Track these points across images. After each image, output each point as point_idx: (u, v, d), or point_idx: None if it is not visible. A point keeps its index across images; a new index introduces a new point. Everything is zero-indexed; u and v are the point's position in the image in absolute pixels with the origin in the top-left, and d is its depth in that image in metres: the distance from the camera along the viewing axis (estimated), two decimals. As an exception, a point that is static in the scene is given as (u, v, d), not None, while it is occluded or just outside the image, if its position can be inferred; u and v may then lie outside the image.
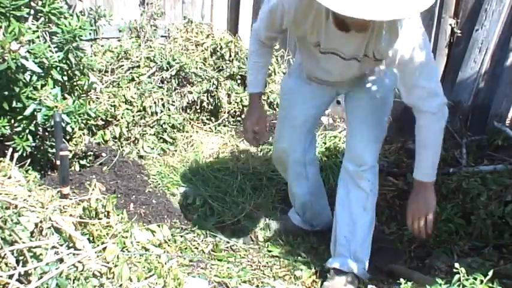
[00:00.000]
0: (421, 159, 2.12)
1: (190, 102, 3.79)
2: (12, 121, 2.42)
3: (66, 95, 2.51)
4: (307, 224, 2.74)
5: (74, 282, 1.49)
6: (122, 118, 3.31)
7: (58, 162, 1.97)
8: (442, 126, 2.10)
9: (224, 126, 3.88)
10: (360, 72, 2.22)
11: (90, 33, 2.55)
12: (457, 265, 1.61)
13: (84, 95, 2.76)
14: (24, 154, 2.39)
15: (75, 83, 2.67)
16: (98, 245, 1.69)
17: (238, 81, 3.94)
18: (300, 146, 2.53)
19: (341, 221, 2.32)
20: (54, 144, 2.58)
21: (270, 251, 2.60)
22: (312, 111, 2.50)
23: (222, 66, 3.95)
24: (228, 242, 2.62)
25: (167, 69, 3.71)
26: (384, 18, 1.66)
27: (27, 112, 2.32)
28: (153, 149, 3.39)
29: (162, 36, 4.10)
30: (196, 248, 2.53)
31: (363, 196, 2.28)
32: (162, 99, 3.57)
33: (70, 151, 2.81)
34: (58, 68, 2.47)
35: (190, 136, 3.67)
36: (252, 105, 2.46)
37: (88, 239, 1.68)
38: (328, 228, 2.53)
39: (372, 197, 2.29)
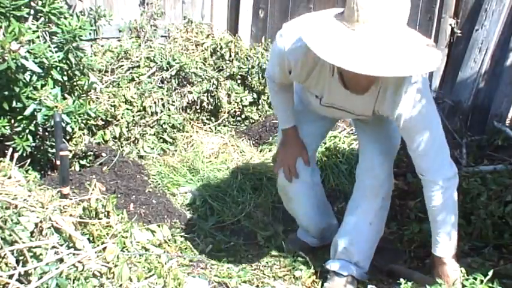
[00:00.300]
0: (436, 233, 2.01)
1: (190, 102, 3.79)
2: (12, 121, 2.42)
3: (66, 95, 2.51)
4: (315, 239, 2.60)
5: (74, 282, 1.49)
6: (122, 118, 3.31)
7: (58, 162, 1.97)
8: (453, 198, 1.98)
9: (224, 126, 3.87)
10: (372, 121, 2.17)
11: (90, 33, 2.56)
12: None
13: (84, 95, 2.76)
14: (24, 154, 2.39)
15: (75, 83, 2.67)
16: (98, 245, 1.69)
17: (238, 81, 3.94)
18: (306, 168, 2.37)
19: (344, 233, 2.30)
20: (54, 144, 2.58)
21: (270, 251, 2.60)
22: (318, 130, 2.40)
23: (222, 66, 3.95)
24: (228, 242, 2.62)
25: (167, 69, 3.71)
26: (383, 74, 1.61)
27: (27, 112, 2.32)
28: (153, 149, 3.39)
29: (162, 36, 4.10)
30: (196, 248, 2.53)
31: (371, 212, 2.25)
32: (162, 99, 3.57)
33: (70, 151, 2.81)
34: (58, 68, 2.47)
35: (190, 136, 3.67)
36: (289, 139, 2.31)
37: (88, 239, 1.68)
38: None
39: (381, 211, 2.26)
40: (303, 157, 2.31)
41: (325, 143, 3.60)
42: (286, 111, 2.29)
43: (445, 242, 1.99)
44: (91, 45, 3.68)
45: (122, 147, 3.26)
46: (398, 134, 2.21)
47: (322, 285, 2.31)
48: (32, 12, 2.48)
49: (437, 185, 1.94)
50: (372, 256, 2.31)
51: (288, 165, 2.31)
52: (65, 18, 2.54)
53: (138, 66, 3.68)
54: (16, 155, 1.94)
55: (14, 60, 2.13)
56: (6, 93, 2.31)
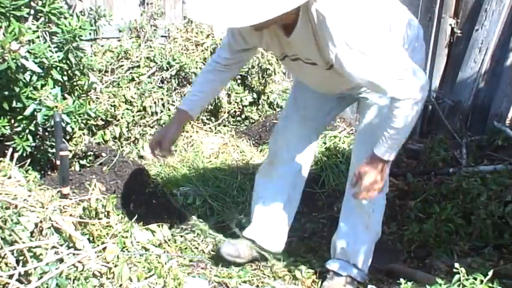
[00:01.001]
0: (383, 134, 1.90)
1: (190, 102, 3.79)
2: (12, 121, 2.41)
3: (66, 95, 2.51)
4: (273, 244, 2.46)
5: (74, 282, 1.49)
6: (122, 118, 3.31)
7: (58, 162, 1.97)
8: (416, 111, 1.82)
9: (224, 126, 3.87)
10: (348, 85, 2.06)
11: (90, 33, 2.55)
12: (457, 265, 1.61)
13: (84, 95, 2.76)
14: (24, 154, 2.39)
15: (75, 83, 2.67)
16: (98, 245, 1.69)
17: (238, 81, 3.94)
18: (301, 144, 2.34)
19: (342, 235, 2.29)
20: (54, 144, 2.58)
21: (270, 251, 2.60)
22: (325, 107, 2.32)
23: (222, 66, 3.95)
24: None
25: (167, 69, 3.71)
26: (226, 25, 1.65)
27: (27, 112, 2.32)
28: (153, 149, 3.39)
29: (162, 36, 4.10)
30: (196, 248, 2.53)
31: (365, 216, 2.23)
32: (162, 99, 3.57)
33: (70, 151, 2.81)
34: (58, 68, 2.47)
35: (190, 136, 3.67)
36: (175, 119, 2.27)
37: (88, 239, 1.68)
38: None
39: (375, 214, 2.23)
40: (166, 137, 2.19)
41: (325, 143, 3.61)
42: (195, 94, 2.23)
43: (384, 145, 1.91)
44: (91, 45, 3.68)
45: (122, 147, 3.26)
46: None
47: (322, 285, 2.31)
48: (32, 12, 2.48)
49: (397, 100, 1.79)
50: (371, 257, 2.31)
51: (157, 139, 2.23)
52: (65, 18, 2.54)
53: (138, 66, 3.68)
54: (16, 155, 1.95)
55: (14, 60, 2.12)
56: (6, 93, 2.31)
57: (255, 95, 3.99)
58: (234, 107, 3.89)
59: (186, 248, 2.50)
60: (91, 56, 3.36)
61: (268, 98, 4.06)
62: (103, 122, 3.24)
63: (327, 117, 2.39)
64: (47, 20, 2.51)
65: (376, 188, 1.95)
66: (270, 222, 2.42)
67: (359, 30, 1.72)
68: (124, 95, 3.39)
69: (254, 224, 2.45)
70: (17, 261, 1.41)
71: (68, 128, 2.53)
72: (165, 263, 1.86)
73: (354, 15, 1.73)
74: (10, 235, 1.43)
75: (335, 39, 1.73)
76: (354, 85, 2.06)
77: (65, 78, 2.57)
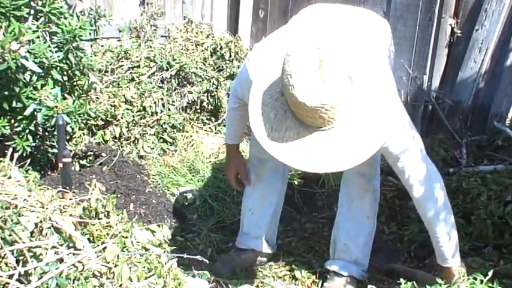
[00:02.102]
0: (437, 245, 1.94)
1: (190, 102, 3.79)
2: (12, 121, 2.41)
3: (66, 95, 2.51)
4: (269, 246, 2.50)
5: (74, 282, 1.48)
6: (122, 118, 3.31)
7: (60, 165, 1.97)
8: (441, 198, 1.90)
9: (224, 126, 3.87)
10: None
11: (90, 33, 2.55)
12: (457, 265, 1.61)
13: (84, 95, 2.75)
14: (24, 154, 2.39)
15: (75, 83, 2.67)
16: (98, 245, 1.69)
17: (238, 81, 3.94)
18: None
19: (342, 229, 2.32)
20: (54, 144, 2.58)
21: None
22: None
23: (222, 66, 3.95)
24: (228, 242, 2.61)
25: (167, 69, 3.71)
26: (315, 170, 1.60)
27: (27, 112, 2.32)
28: (153, 149, 3.39)
29: (162, 36, 4.10)
30: (196, 248, 2.53)
31: (367, 206, 2.28)
32: (162, 99, 3.57)
33: (70, 151, 2.81)
34: (58, 68, 2.47)
35: (190, 136, 3.67)
36: (231, 154, 2.42)
37: (88, 239, 1.68)
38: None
39: (375, 205, 2.30)
40: (240, 172, 2.39)
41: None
42: (235, 130, 2.35)
43: (449, 251, 1.93)
44: (91, 45, 3.68)
45: (122, 147, 3.26)
46: None
47: (322, 285, 2.31)
48: (32, 12, 2.48)
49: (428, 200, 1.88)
50: (370, 252, 2.31)
51: (233, 177, 2.41)
52: (65, 18, 2.53)
53: (138, 66, 3.68)
54: (16, 155, 1.94)
55: (14, 60, 2.12)
56: (6, 93, 2.31)
57: (255, 95, 3.98)
58: (234, 107, 3.88)
59: (186, 248, 2.50)
60: (91, 56, 3.36)
61: (268, 98, 4.06)
62: (103, 122, 3.24)
63: None
64: (47, 20, 2.51)
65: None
66: (259, 227, 2.45)
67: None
68: (124, 95, 3.39)
69: (244, 232, 2.48)
70: (17, 261, 1.41)
71: (68, 128, 2.53)
72: (165, 263, 1.85)
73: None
74: (10, 235, 1.43)
75: None
76: None
77: (65, 78, 2.57)
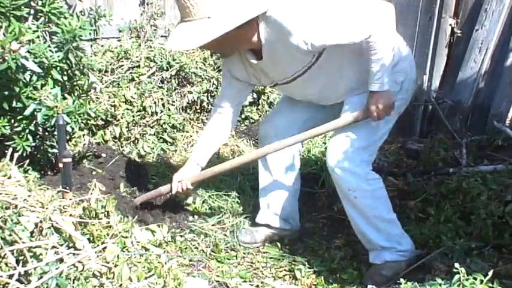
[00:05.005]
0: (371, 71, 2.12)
1: (190, 102, 3.79)
2: (12, 121, 2.41)
3: (66, 95, 2.51)
4: (287, 223, 2.70)
5: (74, 282, 1.49)
6: (122, 118, 3.31)
7: (61, 165, 1.97)
8: (385, 48, 2.07)
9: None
10: (334, 76, 2.23)
11: (90, 33, 2.55)
12: (457, 265, 1.61)
13: (84, 95, 2.75)
14: (24, 154, 2.39)
15: (75, 83, 2.66)
16: (98, 245, 1.69)
17: (238, 81, 3.94)
18: (290, 129, 2.46)
19: (353, 223, 2.36)
20: (54, 144, 2.58)
21: (269, 251, 2.60)
22: (315, 115, 2.50)
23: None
24: (228, 242, 2.62)
25: (167, 69, 3.71)
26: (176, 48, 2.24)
27: (27, 112, 2.32)
28: (153, 149, 3.39)
29: (162, 36, 4.10)
30: (196, 248, 2.53)
31: (351, 206, 2.29)
32: (162, 99, 3.57)
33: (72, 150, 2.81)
34: (58, 68, 2.47)
35: (190, 136, 3.67)
36: (188, 167, 2.50)
37: (88, 239, 1.68)
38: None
39: (360, 200, 2.25)
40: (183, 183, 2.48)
41: (325, 143, 3.61)
42: (201, 148, 2.50)
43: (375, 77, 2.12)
44: (91, 45, 3.68)
45: (121, 147, 3.26)
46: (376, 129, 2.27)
47: (322, 285, 2.31)
48: (32, 12, 2.48)
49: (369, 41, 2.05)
50: (395, 232, 2.35)
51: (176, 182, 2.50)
52: (65, 18, 2.53)
53: (138, 66, 3.68)
54: (16, 155, 1.94)
55: (14, 60, 2.12)
56: (6, 93, 2.31)
57: (255, 95, 3.99)
58: (234, 107, 3.88)
59: (186, 248, 2.50)
60: (91, 56, 3.36)
61: (268, 98, 4.06)
62: (103, 122, 3.24)
63: (317, 114, 2.49)
64: (47, 20, 2.51)
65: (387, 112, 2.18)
66: (278, 205, 2.64)
67: (301, 15, 2.01)
68: (124, 95, 3.39)
69: (263, 209, 2.68)
70: (17, 261, 1.41)
71: (68, 128, 2.53)
72: (165, 263, 1.85)
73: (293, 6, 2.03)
74: (10, 235, 1.43)
75: (294, 33, 2.01)
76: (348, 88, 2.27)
77: (65, 78, 2.57)
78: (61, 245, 1.54)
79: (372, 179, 2.27)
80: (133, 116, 3.37)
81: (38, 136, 2.56)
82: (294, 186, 2.66)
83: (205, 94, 3.81)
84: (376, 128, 2.26)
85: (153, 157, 3.33)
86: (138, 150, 3.32)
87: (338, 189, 2.30)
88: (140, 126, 3.42)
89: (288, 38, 2.03)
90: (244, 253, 2.56)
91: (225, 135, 2.54)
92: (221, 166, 2.50)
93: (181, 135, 3.62)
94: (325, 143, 3.61)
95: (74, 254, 1.54)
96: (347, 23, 2.02)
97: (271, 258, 2.55)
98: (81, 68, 2.64)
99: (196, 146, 2.56)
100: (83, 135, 3.01)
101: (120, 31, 3.90)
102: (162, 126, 3.50)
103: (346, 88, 2.28)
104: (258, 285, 2.29)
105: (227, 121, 2.47)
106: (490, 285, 1.56)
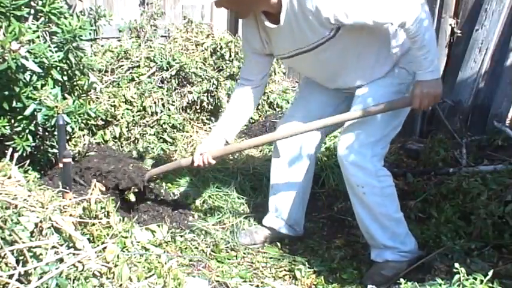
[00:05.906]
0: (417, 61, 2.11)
1: (190, 102, 3.79)
2: (12, 121, 2.41)
3: (66, 95, 2.50)
4: (292, 229, 2.67)
5: (74, 282, 1.49)
6: (122, 118, 3.31)
7: (60, 165, 1.97)
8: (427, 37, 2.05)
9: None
10: (349, 56, 2.21)
11: (90, 33, 2.55)
12: (457, 265, 1.61)
13: (84, 95, 2.75)
14: (24, 154, 2.39)
15: (75, 83, 2.66)
16: (98, 245, 1.69)
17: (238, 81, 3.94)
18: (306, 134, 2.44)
19: (359, 220, 2.36)
20: (54, 144, 2.58)
21: (269, 251, 2.60)
22: (331, 102, 2.48)
23: (222, 66, 3.95)
24: (228, 242, 2.62)
25: (167, 69, 3.71)
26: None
27: (27, 112, 2.32)
28: (153, 149, 3.39)
29: (162, 36, 4.10)
30: (196, 248, 2.53)
31: (358, 201, 2.28)
32: (162, 99, 3.57)
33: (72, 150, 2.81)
34: (58, 68, 2.47)
35: (190, 136, 3.67)
36: (213, 139, 2.43)
37: (88, 239, 1.68)
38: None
39: (368, 196, 2.24)
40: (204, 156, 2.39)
41: (325, 143, 3.60)
42: (227, 122, 2.43)
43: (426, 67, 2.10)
44: (91, 45, 3.68)
45: (121, 147, 3.26)
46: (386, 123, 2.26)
47: (322, 285, 2.31)
48: (32, 12, 2.47)
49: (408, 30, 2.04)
50: (400, 232, 2.33)
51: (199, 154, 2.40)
52: (65, 18, 2.53)
53: (138, 66, 3.68)
54: (16, 155, 1.94)
55: (14, 60, 2.12)
56: (6, 93, 2.30)
57: (255, 95, 3.98)
58: (234, 107, 3.88)
59: (186, 248, 2.50)
60: (91, 56, 3.36)
61: (268, 98, 4.06)
62: (103, 122, 3.24)
63: (332, 113, 2.44)
64: (47, 19, 2.51)
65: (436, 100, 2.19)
66: (285, 209, 2.61)
67: None
68: (124, 95, 3.40)
69: (271, 212, 2.66)
70: (17, 261, 1.41)
71: (68, 128, 2.53)
72: (165, 263, 1.85)
73: None
74: (10, 235, 1.43)
75: (326, 5, 1.98)
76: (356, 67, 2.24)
77: (65, 78, 2.57)
78: (61, 245, 1.54)
79: (383, 176, 2.25)
80: (133, 116, 3.37)
81: (38, 136, 2.56)
82: (305, 192, 2.63)
83: (205, 94, 3.81)
84: (388, 120, 2.24)
85: (153, 157, 3.33)
86: (138, 150, 3.32)
87: (346, 183, 2.28)
88: (140, 126, 3.42)
89: (314, 8, 1.99)
90: (244, 253, 2.56)
91: (250, 109, 2.47)
92: (247, 142, 2.50)
93: (181, 135, 3.62)
94: (325, 143, 3.61)
95: (74, 254, 1.54)
96: (386, 3, 2.00)
97: (271, 258, 2.55)
98: (81, 68, 2.64)
99: (221, 120, 2.49)
100: (83, 135, 3.01)
101: (120, 31, 3.90)
102: (162, 126, 3.51)
103: (360, 73, 2.26)
104: (258, 285, 2.29)
105: (251, 93, 2.43)
106: (490, 285, 1.56)
